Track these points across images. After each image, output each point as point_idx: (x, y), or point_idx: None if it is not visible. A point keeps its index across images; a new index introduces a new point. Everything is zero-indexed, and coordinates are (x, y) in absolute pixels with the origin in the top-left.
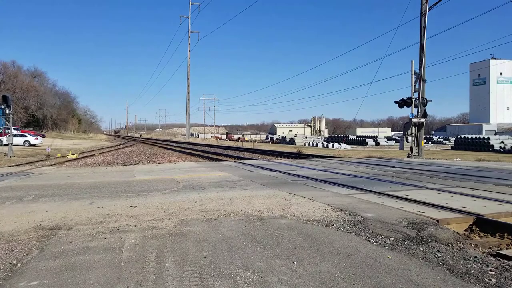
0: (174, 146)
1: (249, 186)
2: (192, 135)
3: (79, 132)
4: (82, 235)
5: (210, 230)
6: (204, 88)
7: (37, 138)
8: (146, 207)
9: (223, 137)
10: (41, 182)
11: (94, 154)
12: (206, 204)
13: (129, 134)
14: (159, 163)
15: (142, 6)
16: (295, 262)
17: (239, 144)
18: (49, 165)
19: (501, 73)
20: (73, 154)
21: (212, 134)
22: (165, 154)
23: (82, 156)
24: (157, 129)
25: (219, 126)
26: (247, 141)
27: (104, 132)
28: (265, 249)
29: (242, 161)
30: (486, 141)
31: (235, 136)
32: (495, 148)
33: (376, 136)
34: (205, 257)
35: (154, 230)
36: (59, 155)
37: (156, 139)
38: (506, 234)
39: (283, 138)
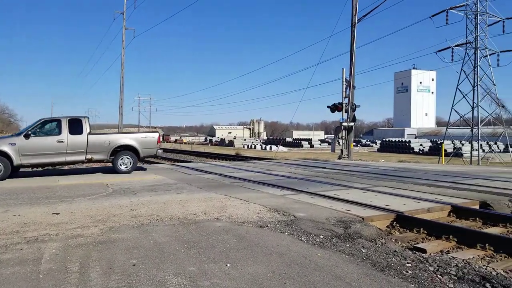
0: None
1: (185, 189)
2: None
3: None
4: None
5: (141, 236)
6: (140, 87)
7: None
8: (70, 214)
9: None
10: None
11: None
12: (137, 209)
13: None
14: (87, 166)
15: None
16: (229, 265)
17: (176, 146)
18: None
19: (420, 82)
20: None
21: None
22: None
23: None
24: None
25: (155, 127)
26: (185, 143)
27: None
28: (198, 253)
29: (178, 163)
30: (407, 144)
31: (172, 138)
32: (415, 150)
33: (311, 139)
34: (134, 265)
35: (79, 238)
36: None
37: None
38: (421, 229)
39: (222, 140)
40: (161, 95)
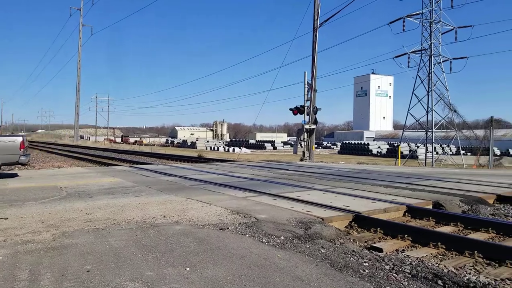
0: (60, 150)
1: (144, 192)
2: (82, 137)
3: None
4: None
5: (96, 241)
6: (99, 87)
7: None
8: (20, 218)
9: (118, 140)
10: None
11: None
12: (93, 213)
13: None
14: (39, 168)
15: None
16: (188, 269)
17: (136, 147)
18: None
19: (379, 86)
20: None
21: (106, 137)
22: (48, 159)
23: None
24: (40, 130)
25: (113, 128)
26: (146, 145)
27: None
28: (156, 257)
29: (138, 165)
30: (366, 146)
31: (132, 139)
32: (373, 152)
33: (274, 141)
34: (88, 271)
35: (29, 244)
36: None
37: (38, 142)
38: (378, 229)
39: (184, 141)
40: (120, 95)
